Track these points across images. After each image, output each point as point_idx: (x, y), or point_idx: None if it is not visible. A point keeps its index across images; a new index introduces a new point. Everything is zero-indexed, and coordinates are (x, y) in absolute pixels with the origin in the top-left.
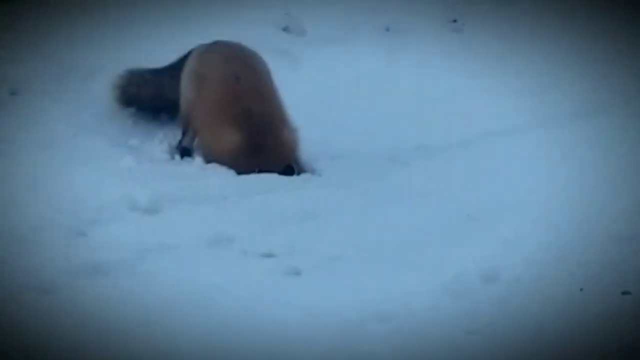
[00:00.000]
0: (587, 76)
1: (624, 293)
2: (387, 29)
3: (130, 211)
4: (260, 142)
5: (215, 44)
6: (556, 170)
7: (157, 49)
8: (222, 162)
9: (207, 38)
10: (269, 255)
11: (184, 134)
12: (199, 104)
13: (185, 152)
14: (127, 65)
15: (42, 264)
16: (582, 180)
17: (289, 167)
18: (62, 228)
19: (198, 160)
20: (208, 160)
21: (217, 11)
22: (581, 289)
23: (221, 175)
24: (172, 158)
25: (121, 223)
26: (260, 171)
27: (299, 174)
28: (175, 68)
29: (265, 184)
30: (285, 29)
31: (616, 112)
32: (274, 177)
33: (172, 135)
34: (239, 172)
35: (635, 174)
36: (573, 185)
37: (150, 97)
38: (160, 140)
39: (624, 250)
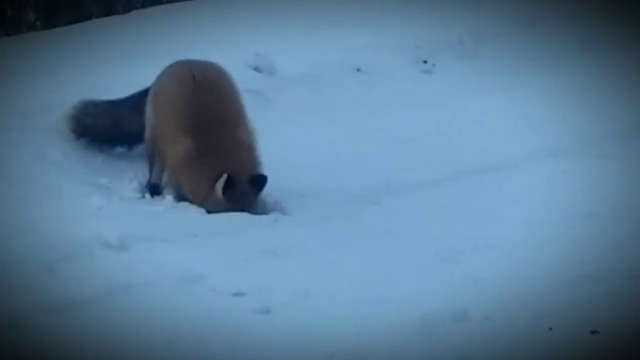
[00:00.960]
0: (551, 118)
1: (593, 332)
2: (358, 69)
3: (100, 249)
4: (215, 144)
5: (175, 62)
6: (525, 210)
7: (124, 86)
8: (178, 172)
9: None
10: (239, 294)
11: (151, 169)
12: (159, 121)
13: (154, 189)
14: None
15: (11, 299)
16: (551, 219)
17: (261, 177)
18: (31, 264)
19: (168, 198)
20: (172, 178)
21: (187, 50)
22: (550, 328)
23: (191, 214)
24: (143, 197)
25: (91, 260)
26: (232, 209)
27: (260, 185)
28: (137, 101)
29: (235, 223)
30: (256, 69)
31: (586, 152)
32: (243, 215)
33: (142, 174)
34: (209, 211)
35: (603, 214)
36: (542, 224)
37: (106, 129)
38: (130, 179)
39: (593, 289)
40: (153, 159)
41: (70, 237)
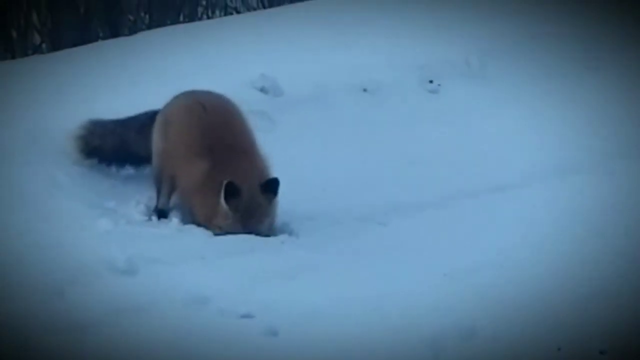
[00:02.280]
0: (558, 136)
1: (602, 353)
2: (364, 90)
3: (108, 271)
4: (229, 167)
5: (179, 93)
6: (532, 228)
7: (130, 108)
8: (194, 195)
9: None
10: (246, 316)
11: (158, 195)
12: (169, 149)
13: (161, 214)
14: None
15: (18, 321)
16: (558, 237)
17: (273, 180)
18: (39, 287)
19: (175, 221)
20: (183, 200)
21: (192, 71)
22: (559, 349)
23: (198, 236)
24: (149, 219)
25: (98, 283)
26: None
27: (274, 193)
28: (143, 125)
29: (242, 245)
30: (262, 90)
31: (593, 169)
32: (250, 237)
33: (148, 197)
34: (216, 234)
35: (611, 231)
36: (550, 242)
37: (114, 148)
38: (136, 202)
39: (601, 308)
40: (160, 185)
41: (78, 260)
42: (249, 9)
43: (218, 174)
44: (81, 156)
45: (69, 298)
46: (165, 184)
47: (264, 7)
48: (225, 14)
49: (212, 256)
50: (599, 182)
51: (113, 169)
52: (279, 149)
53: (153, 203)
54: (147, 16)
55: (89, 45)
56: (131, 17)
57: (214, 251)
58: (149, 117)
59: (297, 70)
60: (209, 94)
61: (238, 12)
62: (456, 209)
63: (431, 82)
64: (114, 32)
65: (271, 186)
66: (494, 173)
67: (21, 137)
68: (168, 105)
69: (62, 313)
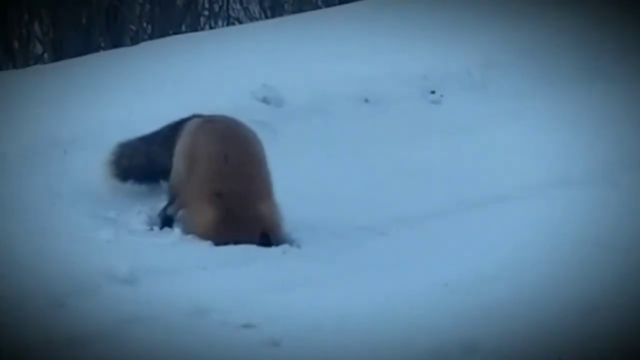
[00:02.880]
0: (560, 148)
1: None
2: (366, 100)
3: (109, 282)
4: (237, 218)
5: (210, 120)
6: (534, 241)
7: (133, 118)
8: (199, 237)
9: (185, 109)
10: (248, 326)
11: (170, 202)
12: (188, 181)
13: (167, 220)
14: (111, 138)
15: (20, 333)
16: (560, 250)
17: (266, 236)
18: (40, 298)
19: (177, 231)
20: (188, 233)
21: (195, 82)
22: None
23: (199, 247)
24: (151, 229)
25: (100, 294)
26: (237, 242)
27: (277, 244)
28: (166, 137)
29: (244, 255)
30: (264, 100)
31: (595, 182)
32: (252, 248)
33: (149, 207)
34: (217, 244)
35: (613, 244)
36: (551, 255)
37: (142, 167)
38: (138, 212)
39: (603, 320)
40: (174, 198)
41: (79, 271)
42: (251, 19)
43: (230, 225)
44: (117, 180)
45: (70, 309)
46: (178, 201)
47: (267, 18)
48: (228, 24)
49: (213, 267)
50: (602, 194)
51: (147, 184)
52: (280, 159)
53: (157, 210)
54: (150, 26)
55: (91, 55)
56: (133, 27)
57: (214, 262)
58: (172, 129)
59: (298, 81)
60: (234, 133)
61: (240, 23)
62: (458, 219)
63: (433, 92)
64: (116, 42)
65: (264, 242)
66: (496, 184)
67: (22, 147)
68: (196, 135)
69: (63, 325)
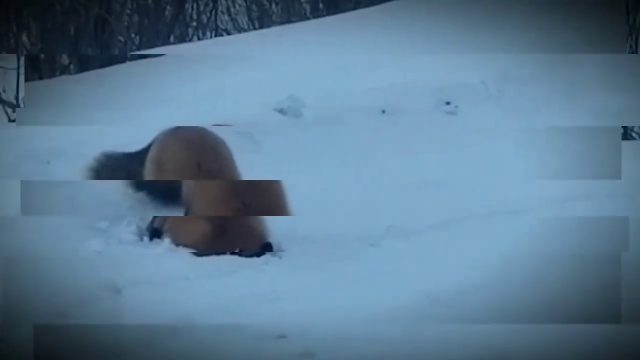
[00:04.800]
0: (574, 161)
1: None
2: (383, 111)
3: (102, 291)
4: (226, 227)
5: (176, 129)
6: (524, 254)
7: (141, 131)
8: (192, 246)
9: (200, 120)
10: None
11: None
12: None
13: (155, 233)
14: (103, 148)
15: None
16: (548, 264)
17: (267, 245)
18: (40, 310)
19: (166, 242)
20: (177, 243)
21: (211, 93)
22: None
23: (186, 257)
24: (141, 240)
25: (91, 305)
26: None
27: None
28: (144, 153)
29: (228, 266)
30: (281, 111)
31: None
32: (238, 259)
33: (139, 218)
34: (209, 253)
35: (617, 258)
36: (538, 268)
37: (121, 180)
38: (128, 223)
39: (599, 335)
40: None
41: (75, 282)
42: (239, 30)
43: (220, 234)
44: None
45: (59, 320)
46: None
47: (254, 29)
48: (216, 35)
49: (197, 277)
50: (608, 207)
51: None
52: (294, 170)
53: (146, 222)
54: (138, 37)
55: (117, 66)
56: (121, 38)
57: (200, 272)
58: (149, 144)
59: (315, 92)
60: (202, 139)
61: (228, 34)
62: (460, 230)
63: (448, 103)
64: (104, 53)
65: (264, 251)
66: (510, 195)
67: (15, 156)
68: (163, 144)
69: (63, 335)
